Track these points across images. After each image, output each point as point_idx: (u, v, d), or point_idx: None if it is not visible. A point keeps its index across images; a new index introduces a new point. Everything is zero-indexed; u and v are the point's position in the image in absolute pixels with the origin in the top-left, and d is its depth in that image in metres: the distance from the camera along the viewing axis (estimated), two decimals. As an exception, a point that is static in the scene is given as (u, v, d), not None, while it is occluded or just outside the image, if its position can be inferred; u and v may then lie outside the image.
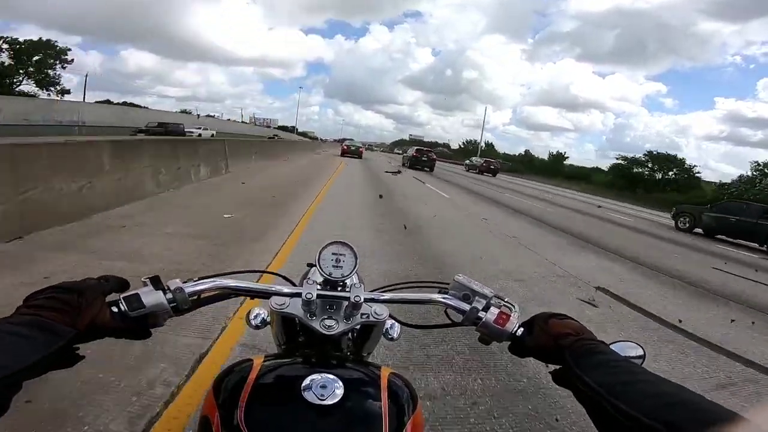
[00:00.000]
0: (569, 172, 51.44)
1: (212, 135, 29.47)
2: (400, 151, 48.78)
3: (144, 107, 53.99)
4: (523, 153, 72.84)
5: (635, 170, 40.69)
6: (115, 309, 0.50)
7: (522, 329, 0.58)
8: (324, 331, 0.57)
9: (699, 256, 7.70)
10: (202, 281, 0.58)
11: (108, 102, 53.90)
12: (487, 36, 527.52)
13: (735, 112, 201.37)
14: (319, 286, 0.60)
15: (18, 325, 0.41)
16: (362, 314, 0.59)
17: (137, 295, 0.51)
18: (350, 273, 0.63)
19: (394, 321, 0.75)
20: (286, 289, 0.61)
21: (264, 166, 11.83)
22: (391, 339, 0.77)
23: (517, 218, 8.92)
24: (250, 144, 12.88)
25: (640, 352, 0.59)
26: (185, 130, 28.79)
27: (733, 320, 3.83)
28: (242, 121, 74.13)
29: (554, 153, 60.10)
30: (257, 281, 0.65)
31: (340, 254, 0.64)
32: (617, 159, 44.30)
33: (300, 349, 0.65)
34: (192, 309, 0.57)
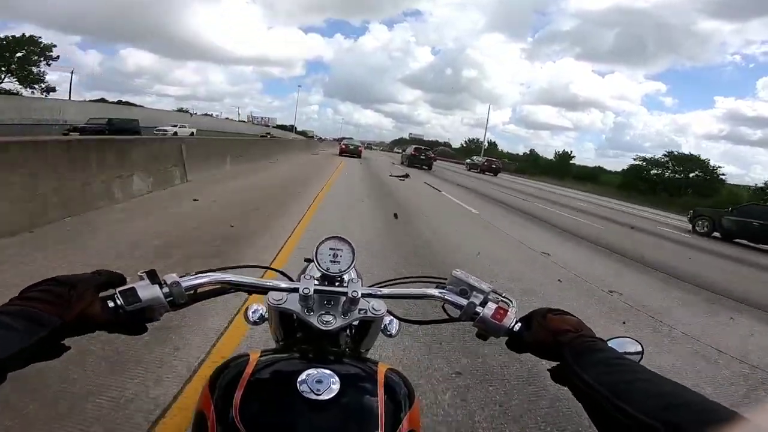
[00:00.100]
0: (576, 172, 49.54)
1: (191, 133, 26.18)
2: (400, 150, 47.15)
3: (140, 106, 52.26)
4: (524, 152, 71.22)
5: (654, 171, 38.21)
6: (111, 303, 0.49)
7: (520, 324, 0.57)
8: (321, 327, 0.57)
9: None
10: (199, 275, 0.57)
11: (103, 101, 52.14)
12: (487, 35, 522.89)
13: (734, 111, 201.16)
14: (316, 282, 0.60)
15: (2, 315, 0.41)
16: (360, 309, 0.59)
17: (133, 289, 0.51)
18: (348, 268, 0.63)
19: (392, 317, 0.76)
20: (284, 285, 0.60)
21: (242, 171, 9.40)
22: (390, 335, 0.78)
23: (586, 249, 6.50)
24: (227, 144, 10.38)
25: (639, 348, 0.58)
26: (161, 128, 25.59)
27: None
28: (240, 120, 72.52)
29: (560, 152, 57.72)
30: (262, 276, 0.68)
31: (338, 249, 0.64)
32: (635, 159, 41.78)
33: (297, 345, 0.64)
34: (189, 304, 0.55)
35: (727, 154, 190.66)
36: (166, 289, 0.52)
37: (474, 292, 0.59)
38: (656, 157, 39.13)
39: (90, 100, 44.39)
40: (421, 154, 25.07)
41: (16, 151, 3.62)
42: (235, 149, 10.45)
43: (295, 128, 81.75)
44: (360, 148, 27.12)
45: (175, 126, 28.60)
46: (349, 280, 0.63)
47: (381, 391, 0.52)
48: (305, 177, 10.54)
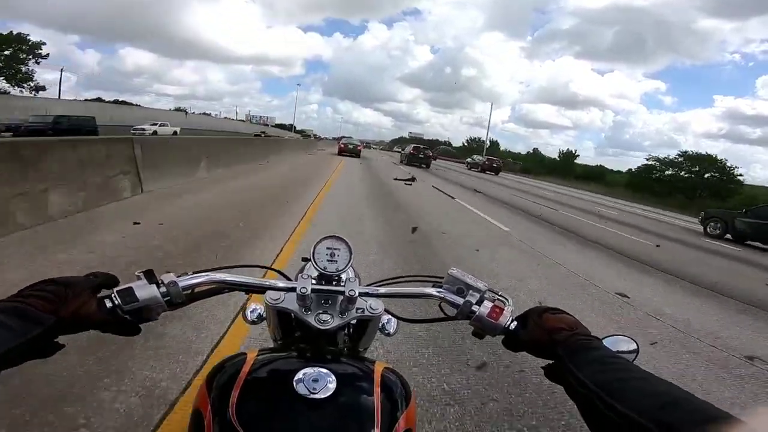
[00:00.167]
0: (581, 172, 48.18)
1: (174, 133, 24.01)
2: (400, 149, 46.20)
3: (137, 105, 50.90)
4: (528, 151, 69.66)
5: (668, 172, 36.46)
6: (108, 303, 0.49)
7: (516, 323, 0.56)
8: (319, 326, 0.57)
9: None
10: (196, 275, 0.56)
11: (99, 100, 50.85)
12: (486, 33, 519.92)
13: (734, 110, 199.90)
14: (313, 281, 0.59)
15: None
16: (357, 309, 0.59)
17: (131, 288, 0.50)
18: (345, 267, 0.62)
19: (390, 316, 0.76)
20: (281, 284, 0.60)
21: (220, 177, 7.86)
22: (388, 334, 0.79)
23: (663, 283, 4.97)
24: (205, 144, 8.78)
25: (633, 346, 0.58)
26: (139, 126, 22.90)
27: None
28: (239, 120, 71.30)
29: (564, 151, 56.09)
30: (263, 276, 0.68)
31: (335, 248, 0.64)
32: (647, 159, 39.88)
33: (295, 344, 0.64)
34: (186, 303, 0.55)
35: (726, 153, 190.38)
36: (163, 289, 0.52)
37: (470, 291, 0.59)
38: (670, 157, 37.45)
39: (87, 100, 43.22)
40: (420, 153, 25.92)
41: None
42: (215, 150, 8.87)
43: (294, 127, 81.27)
44: (359, 147, 26.77)
45: (155, 125, 25.51)
46: (346, 279, 0.62)
47: (377, 390, 0.51)
48: (296, 182, 8.97)
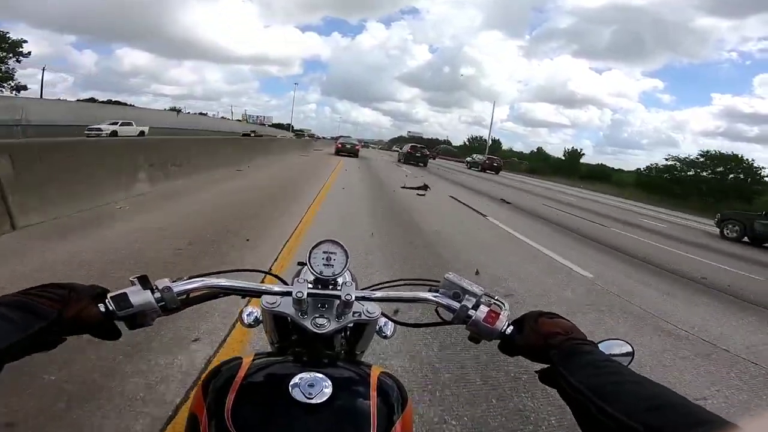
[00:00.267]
0: (587, 171, 46.57)
1: (141, 133, 20.88)
2: (399, 148, 44.73)
3: (131, 105, 48.86)
4: (525, 150, 67.81)
5: (689, 173, 34.37)
6: (103, 308, 0.49)
7: (512, 328, 0.56)
8: (315, 330, 0.56)
9: None
10: (191, 280, 0.56)
11: (92, 100, 48.88)
12: (485, 32, 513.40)
13: (731, 108, 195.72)
14: (310, 285, 0.58)
15: (1, 306, 0.41)
16: (354, 313, 0.58)
17: (125, 294, 0.50)
18: (341, 271, 0.62)
19: (387, 319, 0.74)
20: (277, 288, 0.59)
21: (172, 191, 5.78)
22: (385, 337, 0.78)
23: None
24: (153, 148, 6.65)
25: (628, 349, 0.58)
26: (94, 126, 19.28)
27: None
28: (235, 119, 69.37)
29: (569, 150, 53.93)
30: (262, 281, 0.66)
31: (331, 253, 0.63)
32: (667, 159, 37.42)
33: (291, 348, 0.62)
34: (181, 308, 0.54)
35: (724, 151, 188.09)
36: (157, 294, 0.52)
37: (467, 296, 0.59)
38: (691, 157, 35.22)
39: (79, 100, 41.14)
40: (417, 151, 26.46)
41: None
42: (174, 155, 6.81)
43: (292, 126, 79.44)
44: (357, 147, 25.85)
45: (115, 123, 20.99)
46: (342, 283, 0.62)
47: (374, 395, 0.51)
48: (275, 198, 6.82)
